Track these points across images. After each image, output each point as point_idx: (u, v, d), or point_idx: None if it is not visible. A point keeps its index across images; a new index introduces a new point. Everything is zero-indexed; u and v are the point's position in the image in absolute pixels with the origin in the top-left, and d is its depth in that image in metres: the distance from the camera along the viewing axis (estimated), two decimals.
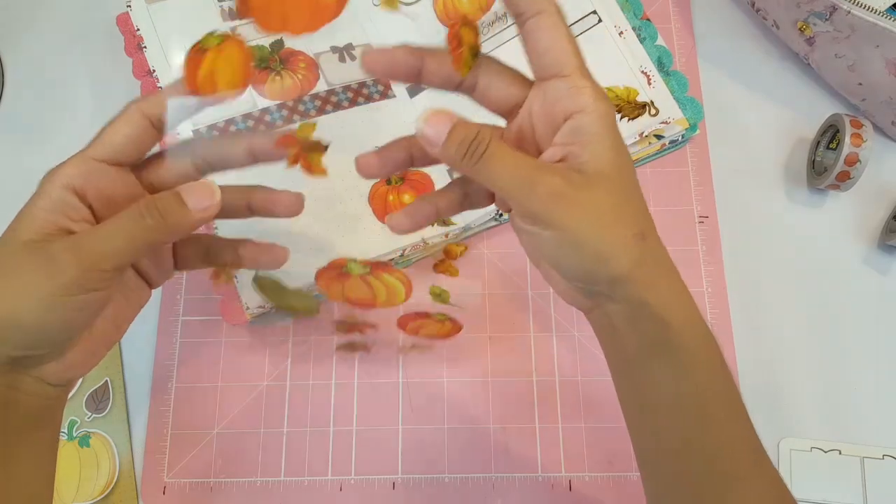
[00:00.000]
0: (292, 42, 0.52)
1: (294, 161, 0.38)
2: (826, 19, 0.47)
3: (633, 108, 0.49)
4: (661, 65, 0.50)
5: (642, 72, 0.50)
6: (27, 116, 0.54)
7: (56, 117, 0.54)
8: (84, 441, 0.47)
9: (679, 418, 0.32)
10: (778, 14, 0.51)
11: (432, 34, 0.53)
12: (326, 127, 0.50)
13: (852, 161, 0.47)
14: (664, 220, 0.51)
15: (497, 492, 0.46)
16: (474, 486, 0.46)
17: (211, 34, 0.34)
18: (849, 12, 0.45)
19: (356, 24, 0.54)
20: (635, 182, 0.31)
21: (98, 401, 0.48)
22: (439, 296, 0.46)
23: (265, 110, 0.50)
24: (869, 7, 0.45)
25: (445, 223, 0.49)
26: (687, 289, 0.32)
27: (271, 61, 0.50)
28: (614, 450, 0.46)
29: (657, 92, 0.49)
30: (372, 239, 0.48)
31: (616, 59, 0.50)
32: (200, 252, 0.39)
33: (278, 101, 0.50)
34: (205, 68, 0.34)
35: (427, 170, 0.50)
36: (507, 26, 0.52)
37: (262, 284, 0.46)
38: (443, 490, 0.46)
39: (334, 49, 0.52)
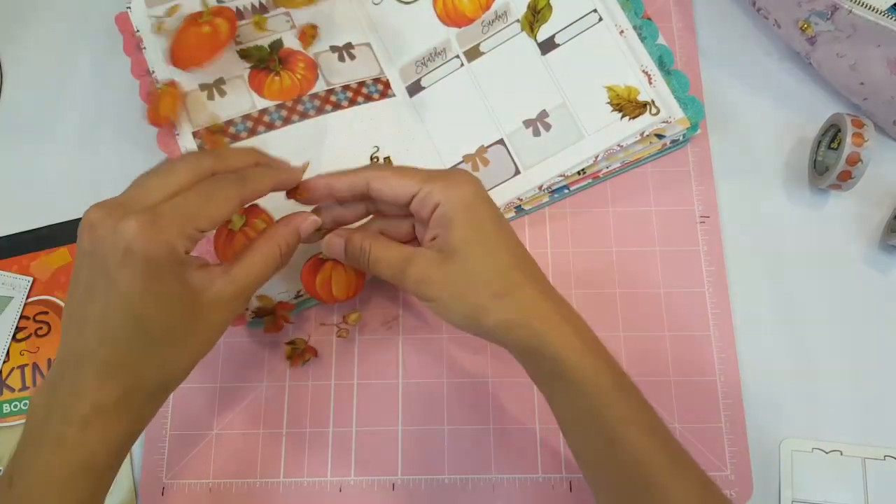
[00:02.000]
0: (291, 42, 0.52)
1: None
2: (827, 18, 0.47)
3: (634, 107, 0.49)
4: (662, 64, 0.50)
5: (643, 71, 0.49)
6: (26, 116, 0.54)
7: (55, 117, 0.54)
8: None
9: (584, 436, 0.38)
10: (779, 13, 0.51)
11: (432, 34, 0.53)
12: (326, 127, 0.50)
13: (854, 161, 0.47)
14: (665, 220, 0.51)
15: (497, 493, 0.46)
16: (474, 486, 0.46)
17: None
18: (850, 11, 0.45)
19: (356, 24, 0.53)
20: (498, 246, 0.38)
21: None
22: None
23: (264, 111, 0.50)
24: (870, 6, 0.45)
25: None
26: (572, 320, 0.38)
27: (270, 61, 0.50)
28: None
29: (658, 91, 0.49)
30: None
31: (617, 58, 0.50)
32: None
33: (277, 102, 0.50)
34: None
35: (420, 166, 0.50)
36: (507, 25, 0.52)
37: None
38: (443, 491, 0.46)
39: (333, 48, 0.52)
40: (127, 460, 0.47)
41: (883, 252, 0.50)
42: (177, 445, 0.47)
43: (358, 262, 0.41)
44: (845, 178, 0.48)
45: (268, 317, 0.47)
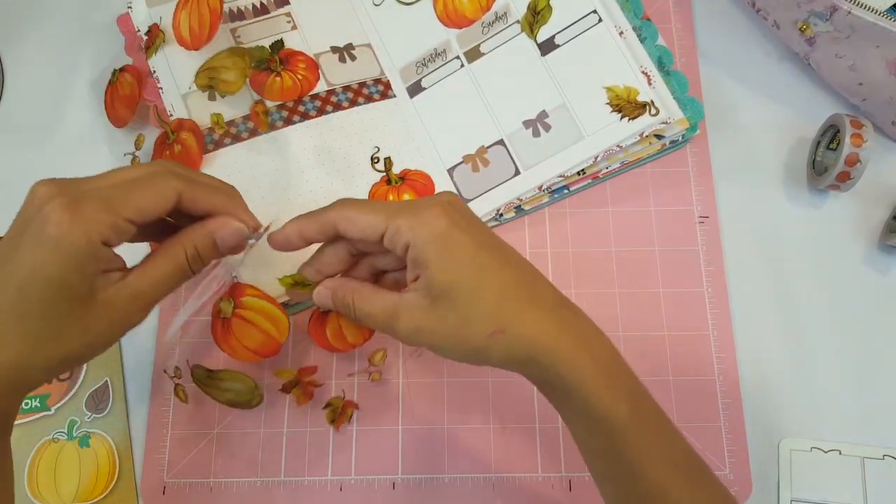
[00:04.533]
0: (292, 42, 0.52)
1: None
2: (826, 19, 0.47)
3: (634, 107, 0.49)
4: (662, 64, 0.50)
5: (643, 72, 0.50)
6: (27, 116, 0.54)
7: (56, 117, 0.54)
8: (84, 441, 0.47)
9: (605, 468, 0.36)
10: (778, 14, 0.51)
11: (433, 35, 0.53)
12: (327, 128, 0.50)
13: (853, 161, 0.47)
14: (664, 220, 0.51)
15: (497, 492, 0.46)
16: (474, 486, 0.46)
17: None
18: (849, 12, 0.45)
19: (356, 24, 0.54)
20: (484, 279, 0.35)
21: (98, 401, 0.48)
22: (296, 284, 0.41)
23: (265, 112, 0.50)
24: (869, 7, 0.45)
25: None
26: (582, 337, 0.35)
27: (271, 62, 0.50)
28: None
29: (657, 92, 0.49)
30: None
31: (616, 59, 0.50)
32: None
33: (278, 102, 0.50)
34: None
35: (426, 170, 0.50)
36: (507, 26, 0.52)
37: (195, 375, 0.46)
38: (443, 490, 0.46)
39: (334, 49, 0.52)
40: (128, 459, 0.47)
41: (882, 252, 0.50)
42: (178, 445, 0.47)
43: (347, 316, 0.39)
44: (844, 179, 0.48)
45: (295, 388, 0.46)
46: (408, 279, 0.37)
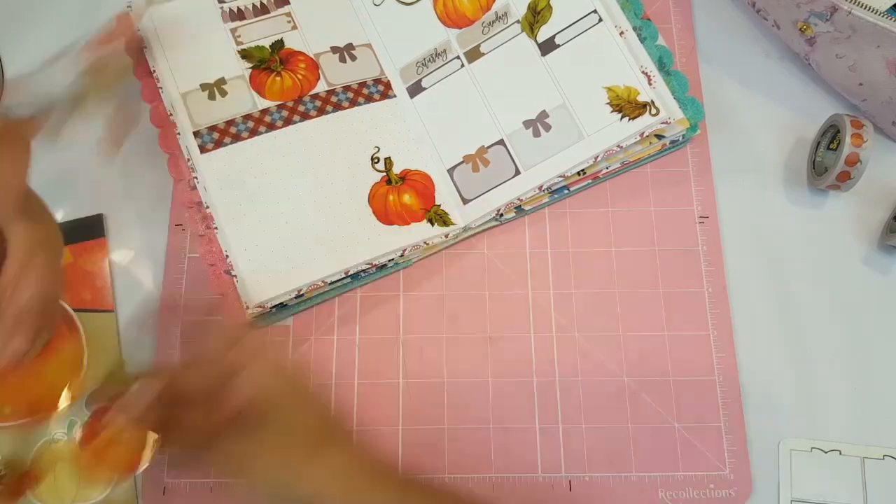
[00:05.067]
0: (292, 42, 0.52)
1: None
2: (827, 19, 0.47)
3: (634, 107, 0.49)
4: (662, 64, 0.50)
5: (643, 72, 0.50)
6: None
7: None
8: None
9: None
10: (778, 14, 0.51)
11: (433, 35, 0.53)
12: (327, 128, 0.50)
13: (853, 161, 0.47)
14: (664, 220, 0.51)
15: (497, 493, 0.46)
16: (474, 486, 0.46)
17: None
18: (849, 12, 0.45)
19: (357, 24, 0.54)
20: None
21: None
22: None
23: (265, 111, 0.50)
24: (870, 7, 0.45)
25: (445, 223, 0.49)
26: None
27: (271, 62, 0.50)
28: (614, 450, 0.46)
29: (658, 92, 0.49)
30: (372, 239, 0.48)
31: (617, 59, 0.50)
32: None
33: (278, 102, 0.50)
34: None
35: (427, 170, 0.50)
36: (508, 26, 0.52)
37: None
38: None
39: (334, 49, 0.52)
40: None
41: (882, 252, 0.50)
42: None
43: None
44: (844, 179, 0.48)
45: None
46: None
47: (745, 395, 0.47)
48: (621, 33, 0.50)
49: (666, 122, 0.49)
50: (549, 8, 0.51)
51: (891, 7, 0.45)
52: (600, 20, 0.50)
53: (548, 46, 0.51)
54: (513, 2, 0.52)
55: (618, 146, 0.49)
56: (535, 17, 0.51)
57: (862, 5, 0.45)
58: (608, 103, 0.49)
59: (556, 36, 0.51)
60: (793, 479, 0.46)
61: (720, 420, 0.47)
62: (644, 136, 0.49)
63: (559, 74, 0.51)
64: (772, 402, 0.47)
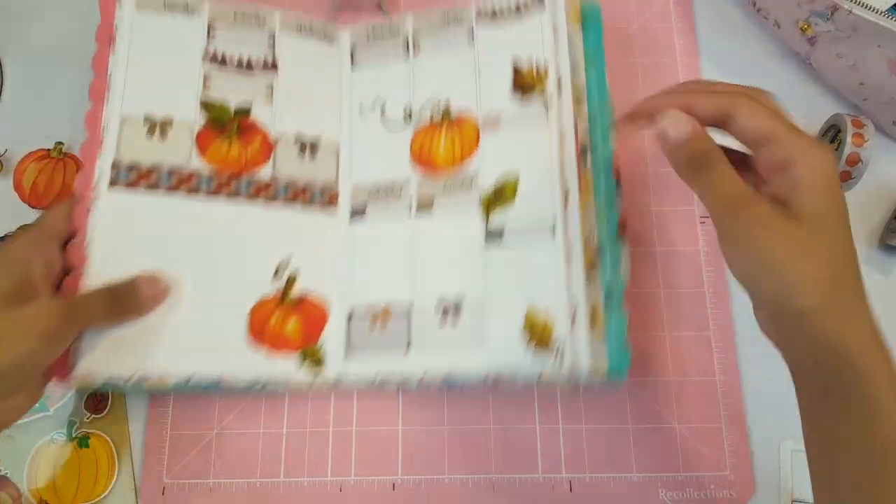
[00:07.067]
0: (259, 113, 0.48)
1: None
2: (827, 19, 0.47)
3: (542, 340, 0.43)
4: (609, 297, 0.44)
5: (571, 311, 0.43)
6: (27, 116, 0.54)
7: (57, 117, 0.54)
8: (83, 442, 0.47)
9: (860, 473, 0.32)
10: (779, 14, 0.51)
11: (399, 168, 0.49)
12: (248, 219, 0.47)
13: (854, 161, 0.47)
14: (664, 220, 0.51)
15: (497, 492, 0.46)
16: (474, 486, 0.46)
17: None
18: (850, 12, 0.45)
19: (336, 121, 0.50)
20: (845, 235, 0.33)
21: (97, 401, 0.48)
22: None
23: (195, 172, 0.46)
24: (870, 7, 0.45)
25: (317, 365, 0.46)
26: (883, 342, 0.33)
27: (228, 125, 0.47)
28: (614, 450, 0.46)
29: (574, 337, 0.42)
30: (230, 354, 0.45)
31: (548, 285, 0.44)
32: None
33: (215, 167, 0.46)
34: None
35: (326, 303, 0.47)
36: (469, 197, 0.47)
37: None
38: (443, 491, 0.46)
39: (299, 138, 0.49)
40: (127, 460, 0.47)
41: (883, 252, 0.50)
42: (177, 445, 0.47)
43: (692, 165, 0.35)
44: (845, 179, 0.48)
45: None
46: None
47: (746, 395, 0.47)
48: (568, 259, 0.43)
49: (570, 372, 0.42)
50: (512, 197, 0.46)
51: (891, 6, 0.45)
52: (553, 236, 0.44)
53: (494, 236, 0.45)
54: (483, 174, 0.47)
55: (512, 374, 0.43)
56: (495, 199, 0.46)
57: (862, 4, 0.45)
58: (523, 325, 0.43)
59: (506, 229, 0.45)
60: (794, 479, 0.46)
61: (721, 420, 0.47)
62: (541, 378, 0.43)
63: (492, 268, 0.45)
64: (773, 403, 0.47)
